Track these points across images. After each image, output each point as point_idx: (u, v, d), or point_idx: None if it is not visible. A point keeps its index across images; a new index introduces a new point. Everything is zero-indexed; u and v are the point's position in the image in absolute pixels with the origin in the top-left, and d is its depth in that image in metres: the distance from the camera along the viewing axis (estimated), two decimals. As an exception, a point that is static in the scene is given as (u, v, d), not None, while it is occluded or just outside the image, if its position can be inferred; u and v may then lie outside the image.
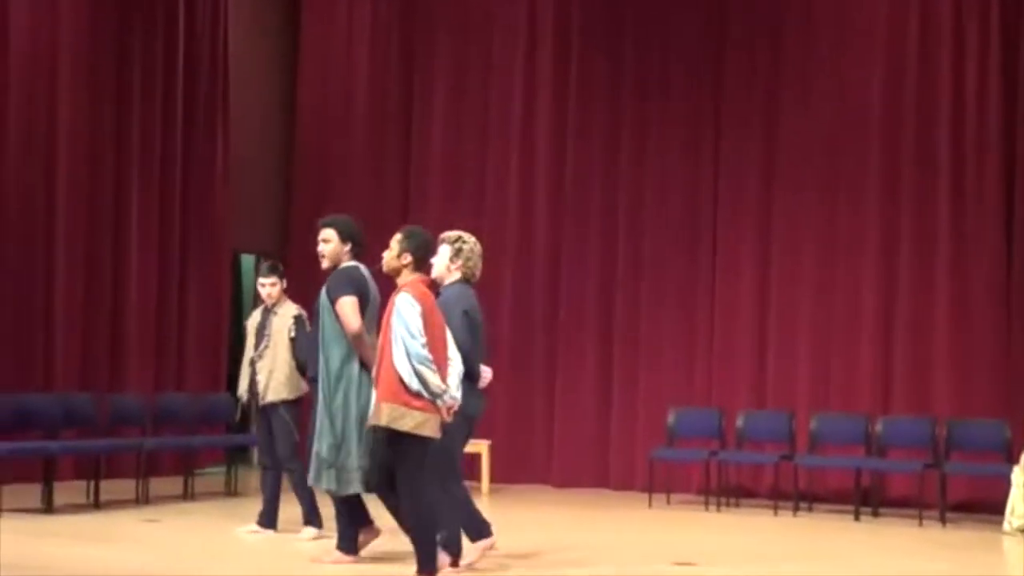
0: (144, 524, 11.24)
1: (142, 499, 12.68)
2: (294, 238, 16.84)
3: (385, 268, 8.43)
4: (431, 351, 8.03)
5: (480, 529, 9.19)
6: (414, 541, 8.23)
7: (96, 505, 12.26)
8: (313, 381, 9.37)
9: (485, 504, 14.12)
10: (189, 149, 15.74)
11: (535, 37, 16.37)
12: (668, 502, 14.10)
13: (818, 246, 14.89)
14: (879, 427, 13.78)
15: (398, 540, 8.90)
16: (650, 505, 13.87)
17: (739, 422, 14.33)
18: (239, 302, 17.19)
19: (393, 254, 8.33)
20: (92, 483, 12.47)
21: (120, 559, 9.49)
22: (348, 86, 17.18)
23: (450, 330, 8.53)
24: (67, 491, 12.69)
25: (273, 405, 10.54)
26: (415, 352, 7.95)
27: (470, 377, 8.79)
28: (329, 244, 9.40)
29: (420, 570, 8.17)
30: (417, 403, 7.95)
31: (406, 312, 8.00)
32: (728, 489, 14.11)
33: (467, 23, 16.69)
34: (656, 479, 14.07)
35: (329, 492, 9.19)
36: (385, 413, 7.94)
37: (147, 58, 15.20)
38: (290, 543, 10.14)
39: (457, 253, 9.02)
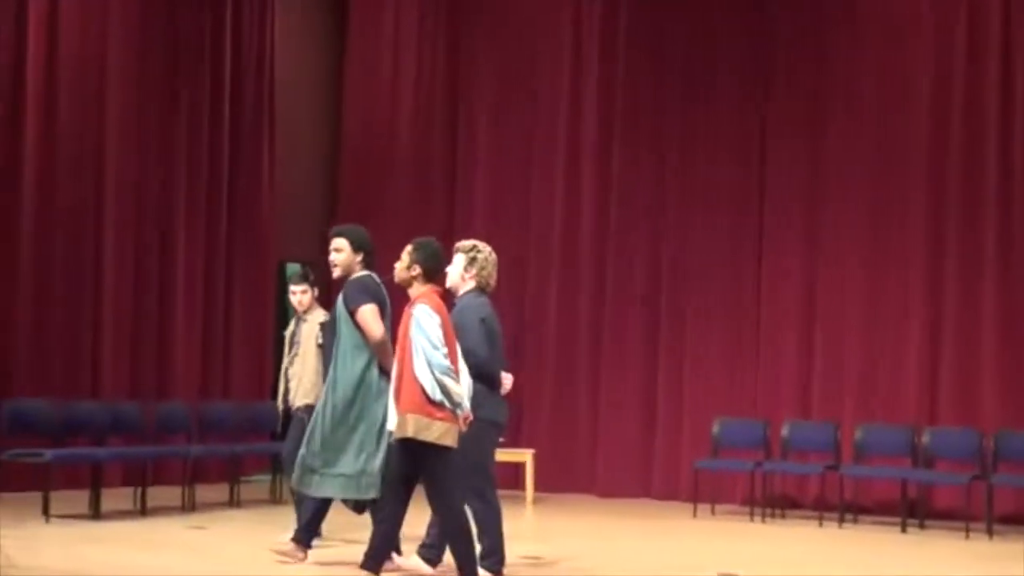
0: (190, 531, 11.30)
1: (188, 506, 12.75)
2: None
3: (396, 279, 8.46)
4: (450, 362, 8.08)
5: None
6: (454, 549, 8.27)
7: (143, 512, 12.33)
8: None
9: (529, 513, 14.15)
10: (236, 158, 15.83)
11: (580, 46, 16.37)
12: (713, 512, 14.05)
13: (864, 255, 14.82)
14: (926, 438, 13.70)
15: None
16: (695, 515, 13.83)
17: (784, 432, 14.28)
18: (284, 310, 17.25)
19: (403, 265, 8.36)
20: (139, 490, 12.55)
21: (166, 566, 9.54)
22: (393, 95, 17.23)
23: (467, 339, 8.58)
24: (114, 497, 12.77)
25: (298, 410, 10.56)
26: (437, 363, 7.98)
27: (491, 385, 8.83)
28: (341, 254, 9.41)
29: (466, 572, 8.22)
30: (440, 414, 8.00)
31: (426, 323, 8.02)
32: (773, 500, 14.05)
33: (512, 29, 16.71)
34: (701, 489, 14.03)
35: (306, 493, 9.19)
36: (411, 425, 7.98)
37: (194, 67, 15.29)
38: (335, 549, 10.15)
39: (472, 262, 9.02)
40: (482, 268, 9.01)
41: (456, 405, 8.04)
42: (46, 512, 11.50)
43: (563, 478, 15.76)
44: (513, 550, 11.15)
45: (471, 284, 9.01)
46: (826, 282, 15.01)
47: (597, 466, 15.87)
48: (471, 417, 8.23)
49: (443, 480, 8.14)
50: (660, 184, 15.89)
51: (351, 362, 9.03)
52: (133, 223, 14.65)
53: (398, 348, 8.22)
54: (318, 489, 9.10)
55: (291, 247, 16.82)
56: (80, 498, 12.26)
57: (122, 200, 14.50)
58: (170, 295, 15.07)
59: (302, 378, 10.57)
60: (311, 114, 17.28)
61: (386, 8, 17.38)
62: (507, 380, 9.07)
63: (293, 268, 17.34)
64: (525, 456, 14.93)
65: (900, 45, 14.83)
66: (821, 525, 13.33)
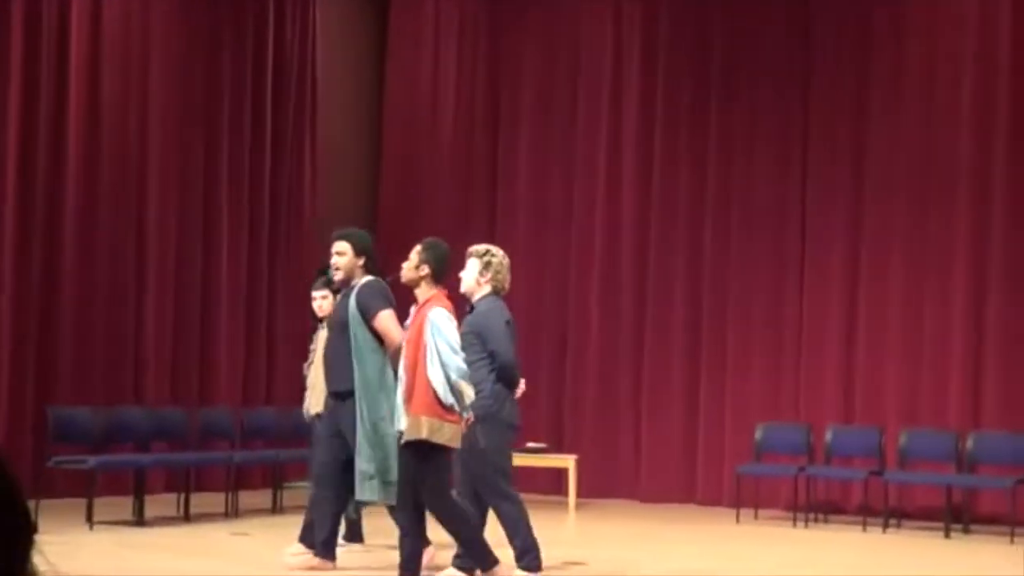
0: (233, 537, 11.34)
1: (231, 512, 12.79)
2: (381, 252, 16.91)
3: (404, 279, 8.50)
4: None
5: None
6: (461, 536, 8.32)
7: (186, 518, 12.38)
8: (337, 396, 9.36)
9: (571, 518, 14.14)
10: (277, 164, 15.88)
11: (622, 51, 16.35)
12: (756, 518, 14.01)
13: (908, 259, 14.74)
14: (970, 443, 13.62)
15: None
16: (737, 521, 13.79)
17: (827, 437, 14.22)
18: (326, 316, 17.31)
19: (412, 264, 8.40)
20: (182, 496, 12.61)
21: (209, 572, 9.58)
22: (435, 99, 17.26)
23: (493, 341, 8.65)
24: (158, 504, 12.83)
25: (312, 418, 10.54)
26: (456, 366, 8.03)
27: (511, 387, 8.89)
28: (344, 257, 9.46)
29: (483, 569, 8.26)
30: (450, 416, 8.08)
31: (445, 328, 8.07)
32: (816, 505, 14.00)
33: (554, 35, 16.71)
34: (744, 494, 13.99)
35: (375, 504, 9.25)
36: (426, 426, 8.02)
37: (236, 74, 15.35)
38: (381, 554, 10.17)
39: (486, 267, 9.05)
40: (497, 272, 9.04)
41: (465, 408, 8.11)
42: (90, 519, 11.57)
43: (606, 483, 15.74)
44: (556, 555, 11.17)
45: (487, 288, 9.04)
46: (869, 286, 14.94)
47: (640, 471, 15.84)
48: (472, 419, 8.28)
49: (443, 481, 8.20)
50: (702, 187, 15.85)
51: (371, 365, 9.09)
52: (175, 230, 14.72)
53: (409, 349, 8.24)
54: (385, 496, 9.11)
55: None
56: (124, 504, 12.33)
57: (165, 207, 14.57)
58: (213, 301, 15.12)
59: (315, 386, 10.49)
60: (352, 118, 17.32)
61: (426, 7, 17.38)
62: (521, 383, 9.14)
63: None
64: (568, 462, 14.93)
65: (944, 48, 14.73)
66: (865, 530, 13.26)
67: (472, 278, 9.04)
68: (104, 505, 11.97)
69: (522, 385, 9.18)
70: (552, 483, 15.64)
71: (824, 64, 15.32)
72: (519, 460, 15.05)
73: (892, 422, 14.35)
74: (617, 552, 11.45)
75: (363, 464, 9.01)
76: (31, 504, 1.39)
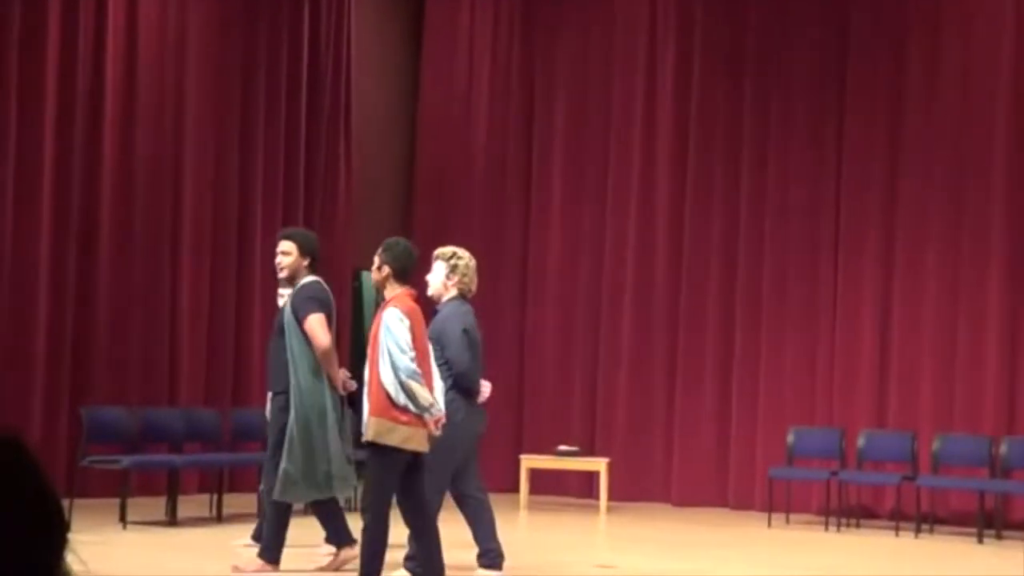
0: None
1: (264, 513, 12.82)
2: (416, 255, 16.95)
3: (372, 282, 8.56)
4: (421, 367, 8.11)
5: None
6: (363, 548, 8.36)
7: (219, 518, 12.43)
8: (279, 395, 9.48)
9: (603, 522, 14.12)
10: (312, 166, 15.92)
11: (655, 53, 16.33)
12: (787, 522, 13.98)
13: (942, 263, 14.69)
14: (1003, 448, 13.56)
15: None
16: (769, 525, 13.77)
17: (860, 442, 14.18)
18: (360, 319, 17.36)
19: (375, 267, 8.43)
20: (215, 496, 12.66)
21: None
22: (469, 103, 17.27)
23: (449, 348, 8.66)
24: (191, 504, 12.89)
25: None
26: (404, 366, 8.01)
27: (469, 395, 8.87)
28: (289, 256, 9.54)
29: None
30: (404, 417, 8.03)
31: (395, 327, 8.06)
32: (849, 509, 13.96)
33: (588, 38, 16.69)
34: (776, 498, 13.96)
35: (289, 501, 9.42)
36: (372, 428, 8.04)
37: (271, 77, 15.40)
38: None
39: (453, 269, 9.10)
40: (463, 275, 9.08)
41: (423, 409, 8.04)
42: (123, 519, 11.63)
43: (638, 487, 15.73)
44: (587, 558, 11.19)
45: (453, 292, 9.09)
46: (902, 290, 14.89)
47: (672, 475, 15.82)
48: (443, 420, 8.26)
49: (389, 482, 8.20)
50: (735, 192, 15.82)
51: (306, 368, 9.22)
52: (210, 231, 14.78)
53: (369, 350, 8.30)
54: (304, 496, 9.31)
55: (367, 254, 16.86)
56: (157, 504, 12.39)
57: (199, 208, 14.63)
58: (247, 302, 15.18)
59: None
60: (387, 122, 17.35)
61: (461, 10, 17.40)
62: (485, 388, 9.16)
63: (367, 275, 17.45)
64: (599, 465, 14.92)
65: (980, 40, 14.66)
66: (897, 536, 13.22)
67: (439, 281, 9.10)
68: (137, 505, 12.04)
69: (486, 390, 9.18)
70: (584, 486, 15.64)
71: (860, 59, 15.24)
72: (551, 463, 15.13)
73: (925, 427, 14.30)
74: (648, 556, 11.44)
75: (287, 464, 9.16)
76: (65, 503, 1.41)
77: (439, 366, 8.66)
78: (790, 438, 14.41)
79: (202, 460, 13.13)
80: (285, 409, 9.31)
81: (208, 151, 14.75)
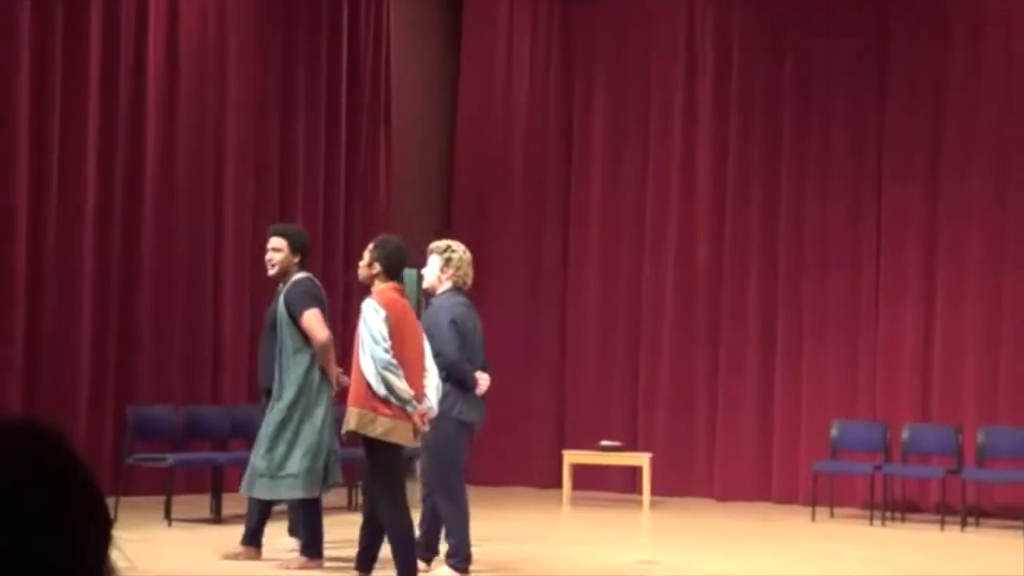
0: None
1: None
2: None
3: (360, 277, 8.61)
4: (405, 359, 8.14)
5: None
6: (393, 549, 8.36)
7: (263, 516, 12.46)
8: (268, 393, 9.57)
9: (646, 516, 14.11)
10: (352, 164, 15.95)
11: (695, 49, 16.28)
12: (832, 516, 13.93)
13: (984, 255, 14.60)
14: (1049, 440, 13.48)
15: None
16: (813, 519, 13.72)
17: (904, 435, 14.11)
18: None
19: (364, 263, 8.49)
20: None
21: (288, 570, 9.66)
22: (508, 100, 17.25)
23: (437, 339, 8.70)
24: (235, 501, 12.91)
25: None
26: (379, 357, 8.06)
27: (462, 385, 8.89)
28: (280, 253, 9.66)
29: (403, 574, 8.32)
30: (386, 409, 8.07)
31: (370, 318, 8.13)
32: (893, 503, 13.90)
33: (627, 34, 16.64)
34: (819, 492, 13.92)
35: (260, 498, 9.62)
36: (354, 418, 8.09)
37: (311, 74, 15.42)
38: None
39: (447, 263, 9.16)
40: (458, 268, 9.15)
41: (404, 401, 8.07)
42: (168, 516, 11.70)
43: (681, 481, 15.69)
44: (631, 554, 11.19)
45: (448, 284, 9.16)
46: (945, 281, 14.81)
47: (715, 469, 15.78)
48: (431, 414, 8.28)
49: (384, 476, 8.22)
50: (776, 185, 15.76)
51: (294, 364, 9.33)
52: (251, 229, 14.81)
53: (356, 344, 8.35)
54: (270, 492, 9.36)
55: (409, 251, 16.89)
56: (202, 502, 12.44)
57: (241, 208, 14.68)
58: (288, 301, 15.21)
59: None
60: (426, 117, 17.36)
61: (500, 4, 17.39)
62: (483, 380, 9.18)
63: (410, 273, 17.47)
64: (642, 460, 14.90)
65: (1023, 36, 14.57)
66: (943, 529, 13.16)
67: (433, 274, 9.19)
68: (182, 502, 12.09)
69: (484, 383, 9.19)
70: (626, 481, 15.62)
71: (901, 45, 15.15)
72: (594, 459, 15.11)
73: (970, 419, 14.22)
74: (692, 551, 11.43)
75: (257, 460, 9.31)
76: (110, 501, 1.42)
77: (433, 358, 8.72)
78: (833, 432, 14.35)
79: (246, 457, 13.11)
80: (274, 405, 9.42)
81: (249, 149, 14.79)
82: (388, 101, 16.41)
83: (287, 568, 9.55)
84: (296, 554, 9.74)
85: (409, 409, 8.13)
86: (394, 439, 8.14)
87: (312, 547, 9.57)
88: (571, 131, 16.90)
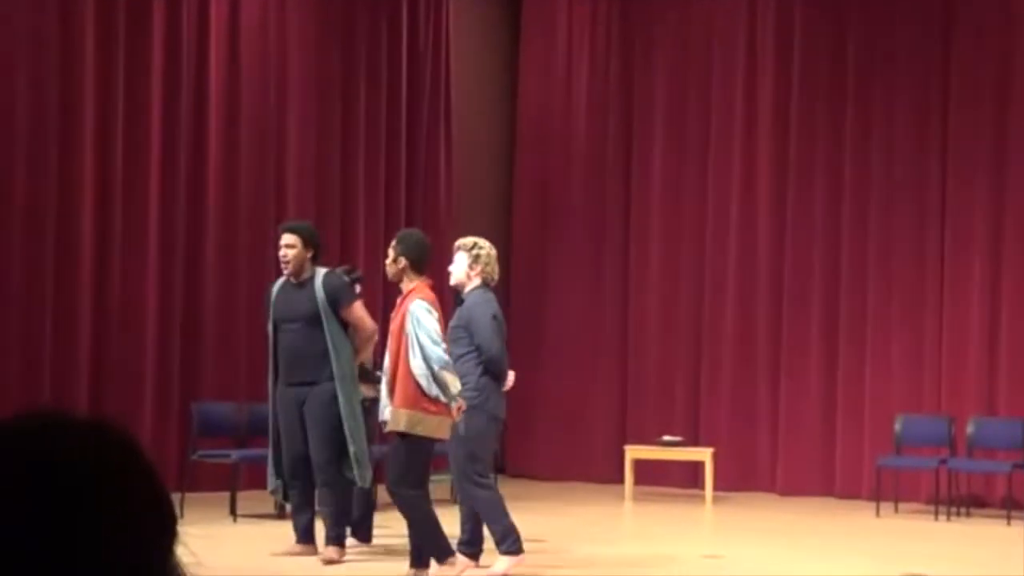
0: (374, 529, 11.43)
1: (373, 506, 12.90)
2: (515, 252, 17.03)
3: (389, 275, 8.68)
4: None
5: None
6: (413, 538, 8.39)
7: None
8: (305, 385, 9.65)
9: (709, 512, 14.07)
10: (413, 163, 15.97)
11: (755, 45, 16.20)
12: (896, 511, 13.84)
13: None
14: (1118, 434, 13.34)
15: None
16: (877, 514, 13.64)
17: (969, 429, 14.00)
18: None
19: (390, 260, 8.58)
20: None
21: (350, 565, 9.71)
22: (568, 98, 17.23)
23: (479, 334, 8.80)
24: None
25: None
26: (437, 357, 8.15)
27: (498, 379, 9.01)
28: (293, 249, 9.81)
29: (413, 564, 8.37)
30: (433, 408, 8.19)
31: (425, 319, 8.20)
32: (959, 498, 13.79)
33: (687, 34, 16.54)
34: (883, 487, 13.83)
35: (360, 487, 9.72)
36: (404, 419, 8.14)
37: (371, 74, 15.46)
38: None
39: (476, 259, 9.23)
40: (486, 264, 9.23)
41: (452, 398, 8.19)
42: (233, 511, 11.79)
43: (743, 476, 15.63)
44: (694, 549, 11.16)
45: (477, 281, 9.21)
46: (1011, 273, 14.68)
47: (777, 464, 15.71)
48: (464, 406, 8.38)
49: (419, 469, 8.31)
50: (838, 179, 15.67)
51: (345, 353, 9.52)
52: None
53: (392, 341, 8.38)
54: (363, 480, 9.59)
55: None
56: (266, 497, 12.49)
57: (302, 206, 14.74)
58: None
59: None
60: (486, 123, 17.35)
61: (559, 11, 17.36)
62: (510, 375, 9.26)
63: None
64: (704, 455, 14.86)
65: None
66: (1009, 524, 13.05)
67: (462, 271, 9.22)
68: (247, 498, 12.18)
69: (511, 378, 9.31)
70: (688, 477, 15.58)
71: (964, 40, 15.03)
72: (656, 454, 15.09)
73: (1036, 413, 14.10)
74: (755, 546, 11.39)
75: (355, 448, 9.48)
76: (176, 497, 1.44)
77: (467, 353, 8.83)
78: (897, 426, 14.26)
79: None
80: (334, 399, 9.46)
81: (310, 146, 14.86)
82: (448, 100, 16.43)
83: (329, 560, 9.64)
84: (332, 547, 9.78)
85: (453, 404, 8.25)
86: (437, 435, 8.25)
87: (340, 536, 9.73)
88: (631, 127, 16.85)
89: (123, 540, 1.37)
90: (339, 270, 10.93)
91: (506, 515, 9.05)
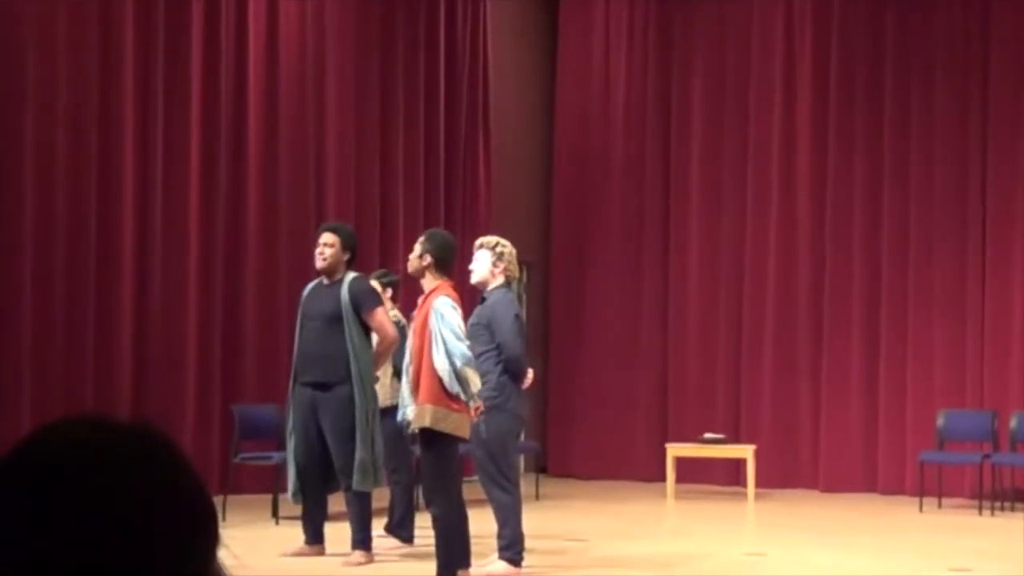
0: (416, 529, 11.45)
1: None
2: (555, 252, 17.04)
3: (409, 270, 8.69)
4: None
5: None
6: (440, 540, 8.36)
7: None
8: (322, 387, 9.64)
9: (751, 509, 14.04)
10: (451, 164, 15.98)
11: (793, 43, 16.14)
12: (939, 506, 13.79)
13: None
14: None
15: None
16: (920, 509, 13.58)
17: (1013, 423, 13.92)
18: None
19: (415, 255, 8.60)
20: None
21: (395, 570, 9.72)
22: (606, 96, 17.22)
23: (501, 333, 8.86)
24: (341, 499, 13.00)
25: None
26: (461, 353, 8.15)
27: (518, 379, 9.04)
28: (332, 248, 9.88)
29: (443, 569, 8.33)
30: (456, 405, 8.19)
31: (449, 316, 8.21)
32: (1002, 493, 13.72)
33: (724, 31, 16.53)
34: (927, 483, 13.77)
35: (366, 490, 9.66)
36: (429, 415, 8.14)
37: (409, 76, 15.48)
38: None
39: (499, 257, 9.26)
40: (508, 262, 9.28)
41: (471, 396, 8.18)
42: (275, 513, 11.81)
43: (785, 473, 15.60)
44: (737, 547, 11.15)
45: (500, 279, 9.23)
46: (1053, 268, 14.60)
47: (819, 460, 15.67)
48: (482, 407, 8.37)
49: (447, 469, 8.29)
50: (878, 174, 15.61)
51: (365, 357, 9.57)
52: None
53: (415, 338, 8.37)
54: (377, 482, 9.65)
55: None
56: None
57: (342, 208, 14.77)
58: (390, 299, 15.29)
59: (381, 378, 10.31)
60: (525, 115, 17.37)
61: (596, 11, 17.34)
62: (529, 374, 9.27)
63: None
64: (746, 452, 14.83)
65: None
66: (1054, 518, 12.97)
67: (486, 268, 9.23)
68: (287, 501, 12.19)
69: (530, 376, 9.32)
70: (730, 474, 15.55)
71: (1003, 33, 14.95)
72: (697, 451, 15.07)
73: (1080, 407, 14.01)
74: (798, 543, 11.35)
75: (363, 453, 9.38)
76: (219, 499, 1.45)
77: (487, 351, 8.88)
78: (940, 421, 14.19)
79: (351, 455, 13.25)
80: (352, 399, 9.49)
81: (349, 151, 14.88)
82: (487, 106, 16.44)
83: (356, 564, 9.65)
84: (359, 551, 9.76)
85: (472, 403, 8.25)
86: (460, 433, 8.26)
87: (366, 540, 9.75)
88: (669, 130, 16.83)
89: (166, 542, 1.38)
90: (375, 273, 10.98)
91: (519, 524, 9.05)
